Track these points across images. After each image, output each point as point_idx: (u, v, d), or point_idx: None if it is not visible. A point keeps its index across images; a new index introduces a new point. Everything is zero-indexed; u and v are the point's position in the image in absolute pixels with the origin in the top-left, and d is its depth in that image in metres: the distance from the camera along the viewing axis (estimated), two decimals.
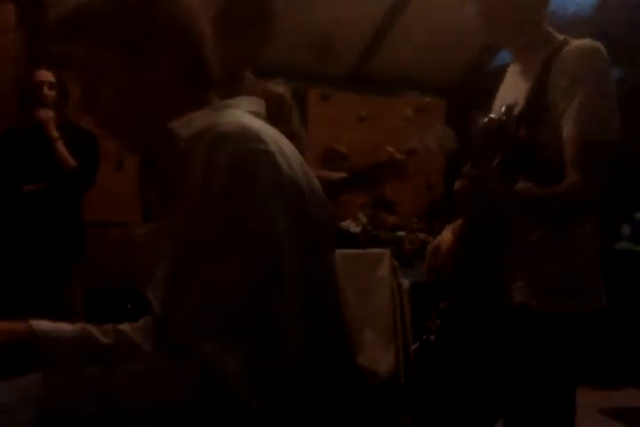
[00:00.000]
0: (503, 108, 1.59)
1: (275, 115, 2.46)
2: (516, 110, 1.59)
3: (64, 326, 1.10)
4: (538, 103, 1.55)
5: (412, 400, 3.39)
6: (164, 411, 0.82)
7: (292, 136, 1.91)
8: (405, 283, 3.57)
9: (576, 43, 1.57)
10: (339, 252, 3.82)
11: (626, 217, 4.59)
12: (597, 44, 1.54)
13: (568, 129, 1.49)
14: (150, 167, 1.06)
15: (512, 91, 1.68)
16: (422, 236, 4.15)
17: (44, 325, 1.11)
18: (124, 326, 1.15)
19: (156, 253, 1.00)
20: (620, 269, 4.32)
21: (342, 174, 2.37)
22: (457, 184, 1.55)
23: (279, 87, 2.55)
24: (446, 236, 1.78)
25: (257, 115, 1.04)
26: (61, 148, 3.06)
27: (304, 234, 0.91)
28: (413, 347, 3.43)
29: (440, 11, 4.58)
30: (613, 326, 4.22)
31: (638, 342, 4.04)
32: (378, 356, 3.45)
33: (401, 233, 4.16)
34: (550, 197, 1.50)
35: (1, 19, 3.55)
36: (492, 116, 1.57)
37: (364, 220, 4.30)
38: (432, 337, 1.74)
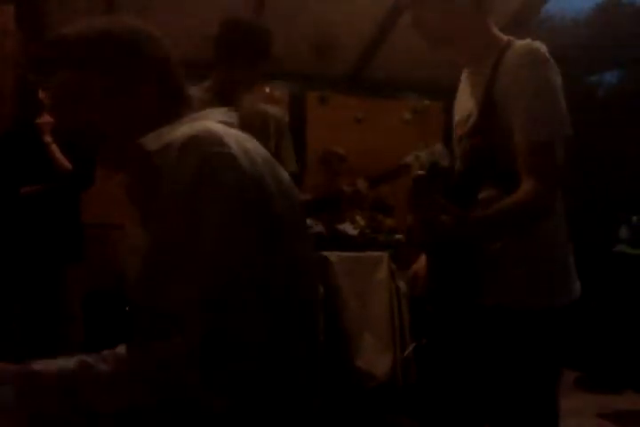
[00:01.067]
0: (429, 165, 1.66)
1: (270, 135, 2.54)
2: (471, 119, 1.62)
3: (61, 362, 1.11)
4: (489, 112, 1.57)
5: (409, 403, 3.40)
6: (125, 411, 0.85)
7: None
8: (403, 286, 3.57)
9: (517, 45, 1.58)
10: (337, 255, 3.84)
11: (623, 220, 4.60)
12: (537, 44, 1.55)
13: (517, 135, 1.51)
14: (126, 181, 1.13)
15: (468, 97, 1.70)
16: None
17: (41, 364, 1.12)
18: (122, 349, 1.17)
19: (135, 256, 1.05)
20: (618, 272, 4.32)
21: (306, 196, 2.51)
22: (409, 220, 1.56)
23: (277, 109, 2.66)
24: (421, 263, 1.81)
25: (227, 124, 1.08)
26: (56, 151, 3.07)
27: (267, 233, 0.95)
28: (406, 351, 3.44)
29: None
30: (612, 329, 4.22)
31: (637, 346, 4.04)
32: (376, 358, 3.45)
33: (399, 236, 4.16)
34: (509, 213, 1.50)
35: (1, 21, 3.55)
36: (419, 173, 1.55)
37: (362, 223, 4.30)
38: (423, 341, 1.76)
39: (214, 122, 1.06)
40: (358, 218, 4.34)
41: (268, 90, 4.99)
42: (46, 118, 3.07)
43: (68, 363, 1.09)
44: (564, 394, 1.65)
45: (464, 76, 1.78)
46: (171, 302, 0.89)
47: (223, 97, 2.30)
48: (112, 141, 1.09)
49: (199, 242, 0.89)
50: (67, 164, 3.08)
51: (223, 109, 1.15)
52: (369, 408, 3.34)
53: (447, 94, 6.34)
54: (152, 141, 1.03)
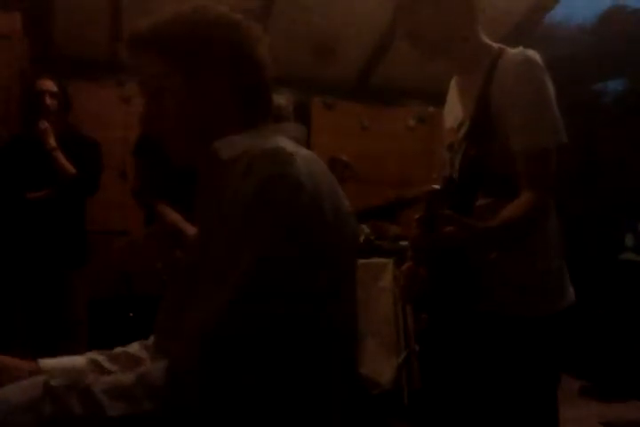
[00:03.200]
0: (444, 181, 1.64)
1: None
2: (463, 129, 1.63)
3: (70, 360, 1.10)
4: (483, 120, 1.57)
5: (413, 410, 3.38)
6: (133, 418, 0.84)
7: None
8: None
9: (510, 54, 1.59)
10: None
11: (629, 228, 4.59)
12: (531, 52, 1.56)
13: (514, 142, 1.52)
14: (193, 181, 1.12)
15: (459, 105, 1.71)
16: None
17: (50, 362, 1.11)
18: (133, 347, 1.16)
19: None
20: (624, 279, 4.31)
21: None
22: (414, 231, 1.54)
23: (283, 98, 2.65)
24: (411, 270, 1.80)
25: (298, 141, 1.08)
26: (60, 157, 3.08)
27: (316, 260, 0.93)
28: (400, 358, 3.43)
29: None
30: (618, 337, 4.20)
31: None
32: (380, 366, 3.44)
33: (404, 243, 4.15)
34: (512, 225, 1.50)
35: (8, 27, 3.57)
36: (435, 187, 1.55)
37: (367, 230, 4.30)
38: (416, 347, 1.77)
39: (288, 137, 1.06)
40: (363, 225, 4.34)
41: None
42: (46, 124, 3.08)
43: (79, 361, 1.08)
44: (568, 402, 1.65)
45: (453, 83, 1.81)
46: (197, 317, 0.89)
47: None
48: (184, 140, 1.10)
49: (237, 262, 0.88)
50: (71, 169, 3.08)
51: (297, 125, 1.16)
52: (373, 415, 3.33)
53: None
54: (225, 149, 1.02)
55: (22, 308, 3.09)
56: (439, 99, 6.11)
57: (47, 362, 1.10)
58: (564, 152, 1.55)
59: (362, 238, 4.11)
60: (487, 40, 1.67)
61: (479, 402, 1.67)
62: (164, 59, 1.06)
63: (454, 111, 1.73)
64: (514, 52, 1.59)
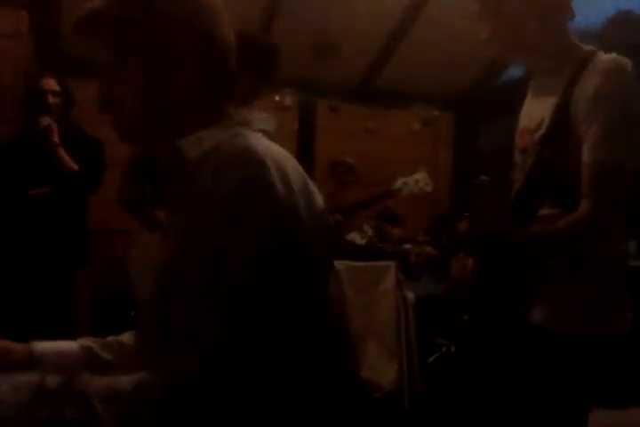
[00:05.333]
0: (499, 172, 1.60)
1: None
2: (540, 131, 1.54)
3: (64, 345, 1.09)
4: (561, 123, 1.49)
5: (414, 414, 3.37)
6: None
7: None
8: (411, 296, 3.55)
9: (602, 58, 1.49)
10: (344, 264, 3.83)
11: (631, 234, 4.57)
12: (624, 60, 1.47)
13: (586, 154, 1.43)
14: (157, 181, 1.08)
15: (538, 106, 1.61)
16: (428, 249, 4.13)
17: (43, 345, 1.09)
18: (126, 336, 1.15)
19: (153, 266, 1.02)
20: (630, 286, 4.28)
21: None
22: (461, 226, 1.52)
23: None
24: (465, 269, 1.73)
25: (266, 133, 1.04)
26: (62, 153, 3.08)
27: (294, 264, 0.91)
28: (431, 358, 3.41)
29: (450, 24, 4.59)
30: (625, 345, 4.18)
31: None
32: (382, 369, 3.43)
33: (407, 246, 4.15)
34: (557, 237, 1.46)
35: (14, 25, 3.57)
36: (483, 177, 1.54)
37: (370, 232, 4.29)
38: (452, 348, 1.72)
39: (256, 131, 1.02)
40: (366, 227, 4.33)
41: (277, 98, 5.00)
42: (49, 121, 3.08)
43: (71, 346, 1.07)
44: None
45: (533, 84, 1.70)
46: (183, 326, 0.87)
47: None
48: (145, 130, 1.04)
49: (222, 271, 0.86)
50: (74, 165, 3.09)
51: (264, 116, 1.10)
52: (373, 420, 3.32)
53: (457, 105, 6.36)
54: (191, 147, 0.98)
55: (23, 306, 3.08)
56: (445, 102, 6.11)
57: (39, 346, 1.08)
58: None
59: (364, 241, 4.10)
60: (576, 41, 1.58)
61: (507, 410, 1.61)
62: (119, 40, 0.99)
63: (530, 113, 1.64)
64: (607, 57, 1.49)
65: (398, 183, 3.13)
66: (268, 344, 0.87)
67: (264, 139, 1.01)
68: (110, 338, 1.13)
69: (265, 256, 0.87)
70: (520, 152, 1.64)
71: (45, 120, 3.08)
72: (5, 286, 3.08)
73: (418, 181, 3.27)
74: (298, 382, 0.94)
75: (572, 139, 1.46)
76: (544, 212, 1.50)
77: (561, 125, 1.49)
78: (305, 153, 4.97)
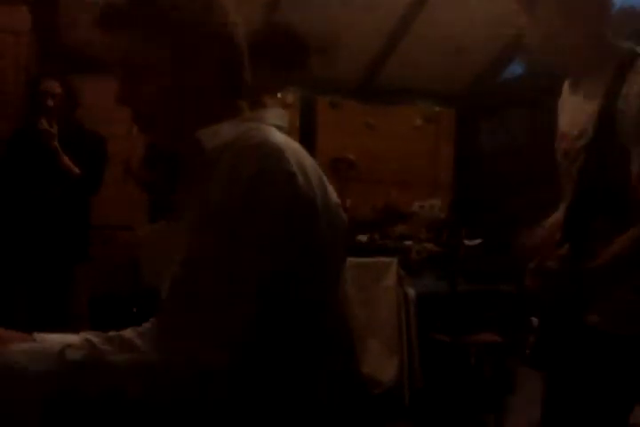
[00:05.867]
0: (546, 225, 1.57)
1: None
2: (583, 139, 1.50)
3: (65, 338, 1.09)
4: (607, 131, 1.43)
5: (414, 409, 3.38)
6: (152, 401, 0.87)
7: None
8: (411, 292, 3.55)
9: None
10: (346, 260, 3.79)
11: None
12: None
13: (635, 161, 1.37)
14: (175, 168, 1.10)
15: (579, 110, 1.55)
16: (430, 246, 4.13)
17: (44, 336, 1.10)
18: (128, 333, 1.15)
19: (170, 253, 1.02)
20: None
21: None
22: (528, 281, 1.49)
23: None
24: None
25: (280, 128, 1.06)
26: (63, 158, 3.07)
27: (308, 258, 0.93)
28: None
29: (451, 20, 4.59)
30: None
31: None
32: (382, 365, 3.44)
33: (408, 242, 4.15)
34: (613, 263, 1.40)
35: (15, 22, 3.57)
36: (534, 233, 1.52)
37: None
38: (527, 351, 1.69)
39: (271, 125, 1.04)
40: None
41: (279, 95, 5.00)
42: (45, 125, 3.06)
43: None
44: None
45: (568, 85, 1.66)
46: (201, 312, 0.89)
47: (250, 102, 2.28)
48: (166, 125, 1.05)
49: (236, 258, 0.88)
50: (75, 169, 3.08)
51: (280, 112, 1.13)
52: (374, 416, 3.32)
53: (458, 101, 6.34)
54: (209, 138, 1.00)
55: (25, 301, 3.09)
56: (446, 99, 6.10)
57: (40, 336, 1.10)
58: None
59: (366, 237, 4.10)
60: (616, 41, 1.54)
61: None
62: (150, 33, 1.00)
63: (574, 116, 1.58)
64: None
65: (415, 207, 3.25)
66: (282, 333, 0.89)
67: (279, 133, 1.02)
68: (112, 333, 1.14)
69: (284, 245, 0.89)
70: (563, 155, 1.60)
71: (42, 125, 3.06)
72: (7, 282, 3.09)
73: (433, 206, 3.43)
74: (303, 373, 0.96)
75: (619, 144, 1.41)
76: (598, 224, 1.46)
77: (606, 132, 1.43)
78: (306, 150, 4.95)
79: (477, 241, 4.05)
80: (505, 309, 3.85)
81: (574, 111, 1.59)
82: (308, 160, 0.99)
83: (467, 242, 4.04)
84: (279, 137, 0.98)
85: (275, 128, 1.04)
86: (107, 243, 3.90)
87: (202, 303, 0.89)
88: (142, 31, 1.00)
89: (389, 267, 3.58)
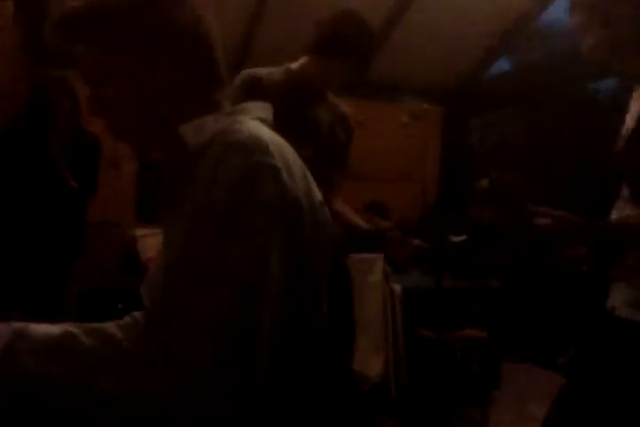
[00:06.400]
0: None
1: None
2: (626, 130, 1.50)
3: (46, 328, 1.08)
4: None
5: (400, 405, 3.39)
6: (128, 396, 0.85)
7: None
8: (397, 288, 3.57)
9: None
10: None
11: None
12: None
13: None
14: (158, 169, 1.07)
15: (635, 113, 1.55)
16: (416, 242, 4.14)
17: (25, 327, 1.09)
18: (109, 325, 1.14)
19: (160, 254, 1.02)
20: None
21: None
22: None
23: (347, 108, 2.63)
24: None
25: (264, 121, 1.04)
26: (61, 170, 3.02)
27: (295, 253, 0.92)
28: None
29: (439, 18, 4.60)
30: None
31: None
32: (369, 361, 3.45)
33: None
34: (624, 226, 1.42)
35: None
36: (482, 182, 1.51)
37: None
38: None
39: (254, 119, 1.02)
40: None
41: None
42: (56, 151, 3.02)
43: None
44: None
45: (637, 94, 1.63)
46: (187, 310, 0.87)
47: (308, 86, 2.23)
48: (145, 125, 1.02)
49: (228, 258, 0.86)
50: (72, 183, 3.04)
51: (263, 105, 1.10)
52: (359, 411, 3.34)
53: (446, 99, 6.35)
54: (192, 133, 0.98)
55: (20, 297, 3.06)
56: (434, 95, 6.09)
57: (18, 325, 1.08)
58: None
59: None
60: None
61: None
62: (116, 40, 0.97)
63: (629, 119, 1.58)
64: None
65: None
66: (269, 330, 0.88)
67: (264, 127, 1.00)
68: (95, 324, 1.13)
69: (271, 242, 0.88)
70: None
71: (53, 151, 3.00)
72: (3, 278, 3.06)
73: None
74: (290, 370, 0.96)
75: None
76: (629, 212, 1.46)
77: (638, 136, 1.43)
78: None
79: (463, 237, 4.07)
80: (490, 304, 3.88)
81: (632, 115, 1.58)
82: (292, 156, 0.98)
83: (452, 238, 4.06)
84: (263, 131, 0.97)
85: (259, 121, 1.02)
86: (94, 239, 3.89)
87: (187, 300, 0.87)
88: (108, 39, 0.97)
89: (375, 263, 3.59)
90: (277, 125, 1.06)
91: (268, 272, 0.87)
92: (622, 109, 1.63)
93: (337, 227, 2.15)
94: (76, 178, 3.06)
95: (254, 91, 2.11)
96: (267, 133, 0.96)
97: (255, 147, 0.90)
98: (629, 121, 1.57)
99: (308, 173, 1.00)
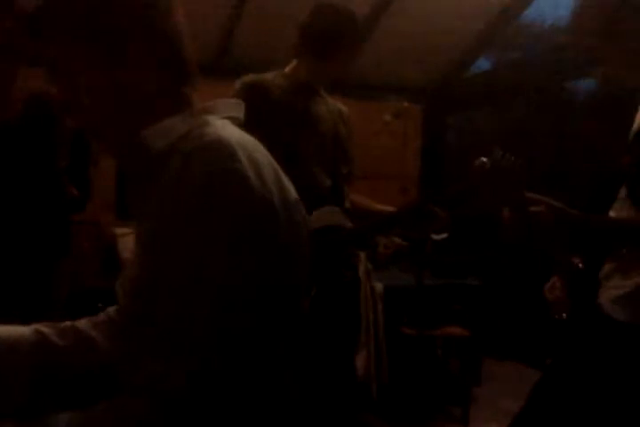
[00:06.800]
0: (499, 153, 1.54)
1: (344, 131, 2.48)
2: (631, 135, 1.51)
3: (17, 330, 1.07)
4: None
5: (382, 402, 3.41)
6: None
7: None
8: (379, 286, 3.58)
9: None
10: None
11: None
12: None
13: None
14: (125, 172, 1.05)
15: None
16: (397, 240, 4.17)
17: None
18: (83, 323, 1.13)
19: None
20: None
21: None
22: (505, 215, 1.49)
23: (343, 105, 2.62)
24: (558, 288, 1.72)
25: (234, 120, 1.02)
26: (64, 181, 3.00)
27: (269, 259, 0.90)
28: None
29: (419, 17, 4.61)
30: None
31: None
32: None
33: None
34: (620, 222, 1.43)
35: None
36: (483, 159, 1.50)
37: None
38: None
39: (222, 117, 0.99)
40: None
41: None
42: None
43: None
44: None
45: None
46: (167, 322, 0.86)
47: (307, 87, 2.23)
48: (114, 123, 0.99)
49: (203, 268, 0.84)
50: (74, 192, 3.01)
51: (233, 102, 1.07)
52: (341, 408, 3.35)
53: (425, 97, 6.35)
54: (156, 138, 0.95)
55: (10, 295, 3.03)
56: (414, 94, 6.10)
57: None
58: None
59: None
60: None
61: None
62: (78, 37, 0.94)
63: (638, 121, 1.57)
64: None
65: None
66: (251, 340, 0.87)
67: (233, 127, 0.98)
68: (67, 323, 1.11)
69: (242, 250, 0.86)
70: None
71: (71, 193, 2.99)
72: None
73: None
74: (278, 377, 0.95)
75: None
76: (625, 213, 1.46)
77: None
78: None
79: (443, 235, 4.09)
80: (471, 302, 3.90)
81: None
82: (262, 156, 0.94)
83: (433, 236, 4.07)
84: (232, 132, 0.94)
85: (228, 120, 1.00)
86: (74, 238, 3.85)
87: (160, 306, 0.87)
88: (70, 36, 0.95)
89: (357, 261, 3.60)
90: (282, 123, 1.03)
91: (239, 274, 0.85)
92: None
93: (345, 218, 2.13)
94: (74, 184, 3.04)
95: (258, 92, 2.11)
96: (234, 134, 0.93)
97: (219, 152, 0.87)
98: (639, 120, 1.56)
99: (281, 173, 0.98)
